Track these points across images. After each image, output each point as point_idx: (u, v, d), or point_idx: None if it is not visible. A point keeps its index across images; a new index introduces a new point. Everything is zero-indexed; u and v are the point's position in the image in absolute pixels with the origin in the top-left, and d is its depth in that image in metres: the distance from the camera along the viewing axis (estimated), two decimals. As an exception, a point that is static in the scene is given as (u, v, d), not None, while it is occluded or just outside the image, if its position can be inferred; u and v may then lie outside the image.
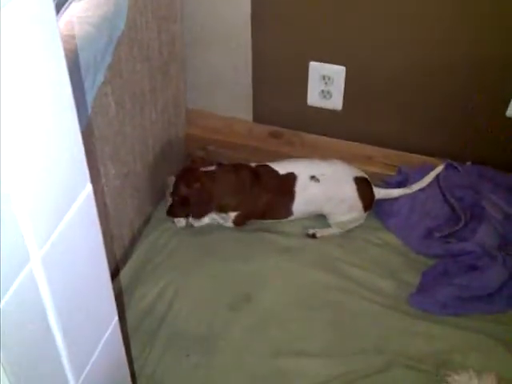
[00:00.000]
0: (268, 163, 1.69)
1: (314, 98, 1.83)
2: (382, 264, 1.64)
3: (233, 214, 1.67)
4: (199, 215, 1.68)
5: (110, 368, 0.81)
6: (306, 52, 1.75)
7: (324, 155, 1.76)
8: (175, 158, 1.87)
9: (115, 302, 0.77)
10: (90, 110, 1.26)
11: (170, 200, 1.69)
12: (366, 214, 1.71)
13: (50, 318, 0.60)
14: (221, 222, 1.71)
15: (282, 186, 1.66)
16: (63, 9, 1.21)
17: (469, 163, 1.77)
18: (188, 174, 1.65)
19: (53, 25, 0.51)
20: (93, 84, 1.24)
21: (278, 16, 1.72)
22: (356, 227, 1.72)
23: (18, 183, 0.50)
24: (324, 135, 1.88)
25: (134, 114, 1.52)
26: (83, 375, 0.72)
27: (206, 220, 1.72)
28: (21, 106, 0.49)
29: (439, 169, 1.72)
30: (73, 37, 1.15)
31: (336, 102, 1.81)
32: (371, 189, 1.69)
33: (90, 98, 1.24)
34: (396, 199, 1.72)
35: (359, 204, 1.67)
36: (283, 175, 1.66)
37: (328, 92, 1.79)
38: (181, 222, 1.71)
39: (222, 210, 1.67)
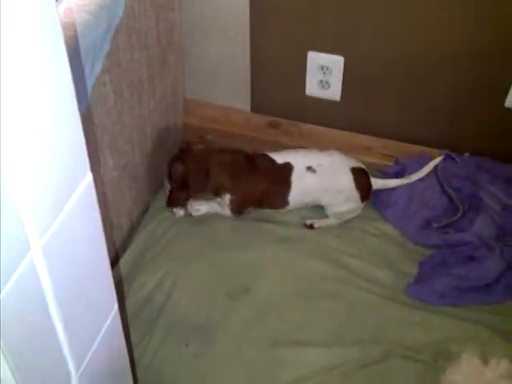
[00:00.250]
0: (265, 153, 1.69)
1: (312, 88, 1.82)
2: (379, 254, 1.64)
3: (228, 198, 1.67)
4: (198, 190, 1.68)
5: (110, 356, 0.81)
6: (304, 42, 1.74)
7: (322, 145, 1.76)
8: (173, 147, 1.87)
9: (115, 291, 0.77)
10: (89, 98, 1.25)
11: (168, 189, 1.69)
12: (363, 205, 1.71)
13: (50, 307, 0.60)
14: (219, 210, 1.71)
15: (278, 174, 1.67)
16: (61, -4, 1.20)
17: (467, 154, 1.76)
18: (183, 153, 1.66)
19: (52, 10, 0.50)
20: (91, 73, 1.24)
21: (276, 6, 1.71)
22: (354, 217, 1.72)
23: (18, 172, 0.50)
24: (322, 125, 1.88)
25: (132, 103, 1.52)
26: (84, 363, 0.72)
27: (203, 209, 1.72)
28: (21, 92, 0.48)
29: (438, 160, 1.72)
30: (72, 23, 1.15)
31: (334, 92, 1.81)
32: (368, 179, 1.69)
33: (88, 87, 1.24)
34: (394, 189, 1.72)
35: (356, 194, 1.67)
36: (280, 164, 1.66)
37: (326, 82, 1.78)
38: (179, 211, 1.71)
39: (218, 192, 1.68)
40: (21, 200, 0.51)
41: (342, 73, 1.76)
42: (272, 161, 1.67)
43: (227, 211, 1.70)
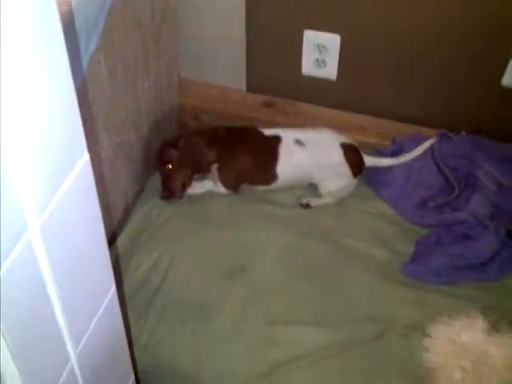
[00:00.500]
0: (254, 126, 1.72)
1: (308, 67, 1.81)
2: (375, 233, 1.65)
3: (217, 169, 1.68)
4: (195, 171, 1.68)
5: (108, 336, 0.81)
6: (300, 20, 1.73)
7: (318, 124, 1.75)
8: (168, 127, 1.86)
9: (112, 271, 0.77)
10: (85, 75, 1.24)
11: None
12: (356, 181, 1.71)
13: (48, 287, 0.60)
14: (214, 189, 1.71)
15: (265, 145, 1.69)
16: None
17: (463, 133, 1.76)
18: (166, 143, 1.66)
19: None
20: (86, 51, 1.22)
21: (272, -17, 1.70)
22: (349, 196, 1.72)
23: (15, 152, 0.49)
24: (318, 104, 1.87)
25: (126, 82, 1.51)
26: (82, 344, 0.72)
27: (199, 188, 1.71)
28: (16, 69, 0.48)
29: (430, 141, 1.72)
30: None
31: (330, 71, 1.80)
32: (359, 154, 1.70)
33: (83, 64, 1.23)
34: (391, 169, 1.72)
35: (347, 170, 1.67)
36: (267, 136, 1.69)
37: (323, 61, 1.77)
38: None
39: (209, 167, 1.68)
40: (18, 179, 0.50)
41: (338, 52, 1.75)
42: (260, 133, 1.69)
43: (221, 188, 1.70)
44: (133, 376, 0.99)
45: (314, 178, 1.70)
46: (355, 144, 1.71)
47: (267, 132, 1.69)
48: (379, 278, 1.54)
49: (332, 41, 1.72)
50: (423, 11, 1.62)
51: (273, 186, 1.71)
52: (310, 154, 1.66)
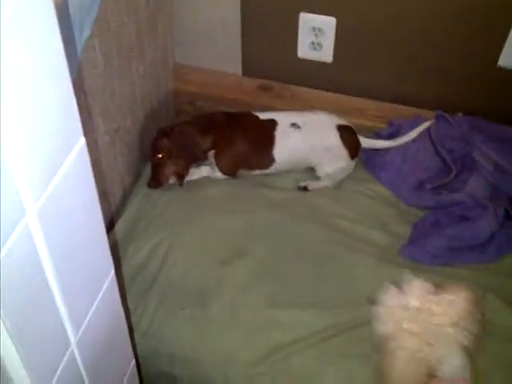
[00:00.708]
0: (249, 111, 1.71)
1: (304, 51, 1.80)
2: (373, 216, 1.65)
3: (212, 154, 1.67)
4: (196, 158, 1.67)
5: (108, 321, 0.81)
6: (296, 3, 1.71)
7: (315, 108, 1.75)
8: (164, 113, 1.85)
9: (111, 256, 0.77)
10: (79, 60, 1.23)
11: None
12: (353, 163, 1.71)
13: (47, 272, 0.60)
14: (211, 174, 1.71)
15: (261, 129, 1.68)
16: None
17: (460, 114, 1.76)
18: (161, 131, 1.65)
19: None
20: (80, 37, 1.22)
21: (266, -35, 1.69)
22: (347, 179, 1.72)
23: (11, 136, 0.49)
24: (314, 88, 1.86)
25: (121, 67, 1.50)
26: (82, 329, 0.72)
27: (196, 174, 1.71)
28: (11, 55, 0.47)
29: (427, 123, 1.72)
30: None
31: (326, 54, 1.79)
32: (356, 136, 1.70)
33: (78, 50, 1.22)
34: (388, 151, 1.72)
35: (344, 152, 1.67)
36: (263, 120, 1.68)
37: (318, 44, 1.76)
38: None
39: (206, 154, 1.67)
40: (15, 164, 0.50)
41: (334, 34, 1.74)
42: (256, 117, 1.68)
43: (219, 173, 1.70)
44: (133, 361, 0.99)
45: (312, 160, 1.70)
46: (352, 125, 1.71)
47: (262, 116, 1.69)
48: (377, 260, 1.54)
49: (328, 23, 1.71)
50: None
51: (270, 169, 1.71)
52: (306, 137, 1.66)
